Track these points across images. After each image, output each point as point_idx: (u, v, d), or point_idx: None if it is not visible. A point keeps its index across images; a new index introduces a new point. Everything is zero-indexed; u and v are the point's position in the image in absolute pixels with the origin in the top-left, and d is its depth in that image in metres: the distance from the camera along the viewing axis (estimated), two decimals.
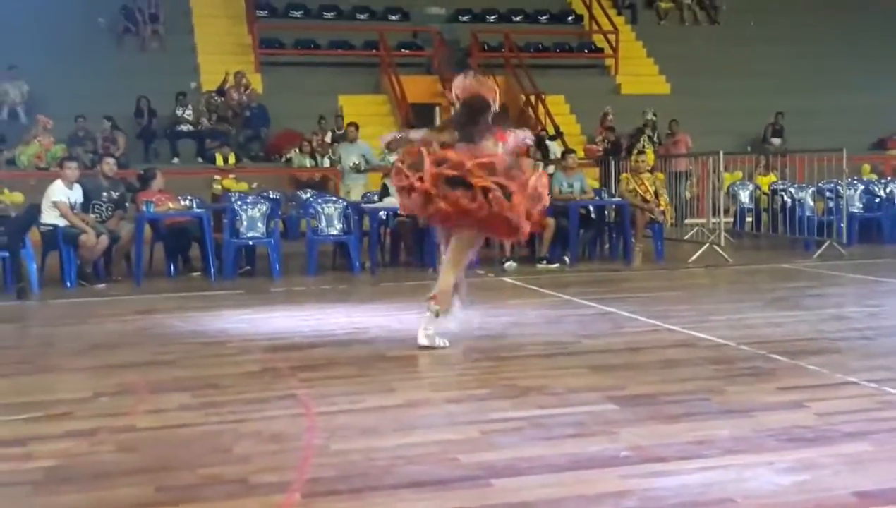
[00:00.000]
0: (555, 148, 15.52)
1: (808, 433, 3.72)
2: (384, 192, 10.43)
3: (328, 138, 15.84)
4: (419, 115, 17.53)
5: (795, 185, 12.17)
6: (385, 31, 18.88)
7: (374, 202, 10.58)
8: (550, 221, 10.15)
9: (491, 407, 4.24)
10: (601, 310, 7.05)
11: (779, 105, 17.75)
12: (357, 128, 12.80)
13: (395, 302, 7.69)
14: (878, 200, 12.31)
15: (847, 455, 3.42)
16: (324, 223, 10.13)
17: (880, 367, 4.82)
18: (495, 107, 5.55)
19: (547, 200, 5.67)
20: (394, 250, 10.82)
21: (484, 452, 3.59)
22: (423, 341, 5.59)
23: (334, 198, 10.70)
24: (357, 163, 12.38)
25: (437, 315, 5.58)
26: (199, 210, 10.09)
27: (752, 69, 19.45)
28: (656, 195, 10.73)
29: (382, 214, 10.50)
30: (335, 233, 10.15)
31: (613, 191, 12.05)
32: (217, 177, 14.85)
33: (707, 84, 19.04)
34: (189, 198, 10.49)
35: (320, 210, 10.17)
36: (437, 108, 18.41)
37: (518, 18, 20.49)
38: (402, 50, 19.05)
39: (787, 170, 13.95)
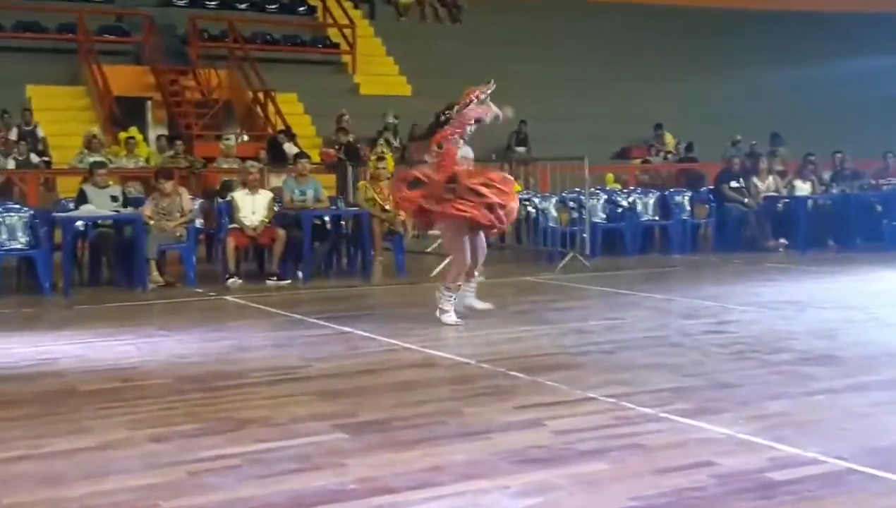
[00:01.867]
0: (290, 150, 15.48)
1: (543, 453, 3.91)
2: (81, 199, 9.90)
3: (13, 135, 14.87)
4: (126, 110, 16.87)
5: (539, 195, 12.88)
6: (84, 13, 18.00)
7: (69, 210, 10.02)
8: (281, 233, 10.11)
9: (202, 445, 4.12)
10: (335, 330, 7.09)
11: (523, 112, 18.62)
12: None
13: (92, 328, 7.33)
14: (620, 210, 13.30)
15: (582, 475, 3.63)
16: (5, 235, 9.51)
17: (618, 382, 5.17)
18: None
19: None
20: (93, 267, 10.30)
21: (191, 496, 3.47)
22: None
23: (18, 206, 10.06)
24: None
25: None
26: None
27: (496, 72, 20.23)
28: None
29: (79, 225, 9.97)
30: (19, 246, 9.56)
31: (351, 200, 12.16)
32: None
33: (450, 87, 19.64)
34: None
35: (1, 220, 9.54)
36: (149, 103, 17.80)
37: (242, 6, 20.28)
38: (105, 35, 18.25)
39: (531, 179, 14.71)
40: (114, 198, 10.05)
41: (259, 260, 10.87)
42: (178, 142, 15.26)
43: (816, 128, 18.98)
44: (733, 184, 13.59)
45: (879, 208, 13.49)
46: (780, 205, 13.49)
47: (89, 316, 8.05)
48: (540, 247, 12.16)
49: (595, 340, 6.50)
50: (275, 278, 10.07)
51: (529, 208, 12.43)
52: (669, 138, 19.22)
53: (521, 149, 18.40)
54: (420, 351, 6.21)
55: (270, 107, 17.45)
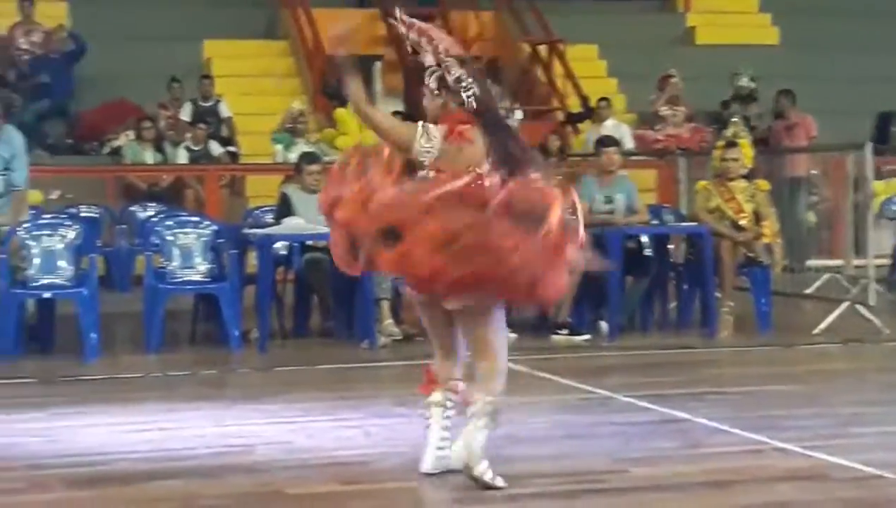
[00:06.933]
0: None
1: None
2: (284, 208, 10.39)
3: (185, 114, 15.78)
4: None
5: None
6: None
7: (267, 224, 10.55)
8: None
9: None
10: (663, 416, 7.11)
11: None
12: None
13: (299, 401, 7.66)
14: None
15: None
16: (177, 261, 10.07)
17: None
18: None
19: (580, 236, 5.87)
20: (300, 309, 10.78)
21: None
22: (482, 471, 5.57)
23: (196, 219, 10.64)
24: None
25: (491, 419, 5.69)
26: None
27: None
28: (757, 218, 10.84)
29: (281, 247, 10.47)
30: (197, 277, 10.10)
31: (683, 211, 12.12)
32: None
33: (842, 32, 19.28)
34: None
35: (171, 238, 10.13)
36: (377, 64, 18.42)
37: None
38: None
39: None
40: None
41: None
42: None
43: None
44: None
45: None
46: None
47: (295, 381, 8.40)
48: None
49: None
50: (565, 331, 10.17)
51: None
52: None
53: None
54: (803, 455, 6.11)
55: (558, 68, 17.67)
